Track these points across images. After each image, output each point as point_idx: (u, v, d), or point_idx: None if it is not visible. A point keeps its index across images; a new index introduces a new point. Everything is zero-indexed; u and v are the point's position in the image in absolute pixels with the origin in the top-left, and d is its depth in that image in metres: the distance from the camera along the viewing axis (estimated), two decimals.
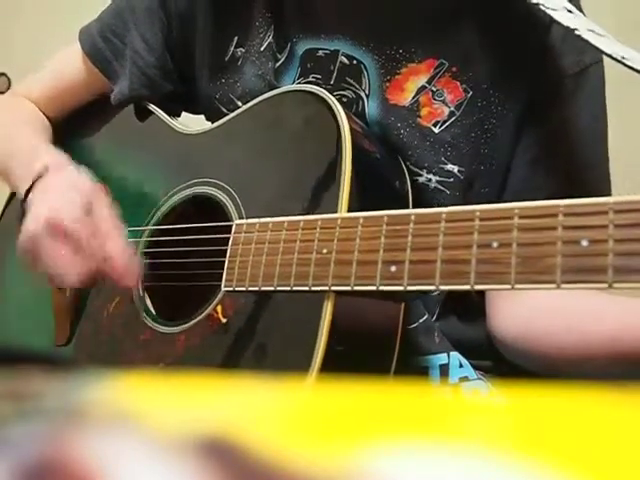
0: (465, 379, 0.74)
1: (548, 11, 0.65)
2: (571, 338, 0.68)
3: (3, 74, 1.60)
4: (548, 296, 0.71)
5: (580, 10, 0.70)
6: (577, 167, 0.75)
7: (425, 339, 0.74)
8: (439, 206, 0.73)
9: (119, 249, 0.70)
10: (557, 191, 0.72)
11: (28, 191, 0.76)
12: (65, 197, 0.71)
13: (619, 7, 1.39)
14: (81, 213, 0.70)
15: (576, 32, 0.62)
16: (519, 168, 0.75)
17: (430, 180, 0.73)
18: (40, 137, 0.90)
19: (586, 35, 0.61)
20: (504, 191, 0.75)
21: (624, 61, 0.58)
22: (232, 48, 0.83)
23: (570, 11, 0.65)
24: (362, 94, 0.75)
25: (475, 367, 0.76)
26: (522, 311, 0.73)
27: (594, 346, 0.66)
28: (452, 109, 0.73)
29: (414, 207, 0.70)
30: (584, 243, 0.47)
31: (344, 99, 0.76)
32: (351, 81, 0.76)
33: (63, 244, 0.69)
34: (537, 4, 0.66)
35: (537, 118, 0.74)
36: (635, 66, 0.57)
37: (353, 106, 0.76)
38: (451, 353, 0.75)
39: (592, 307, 0.68)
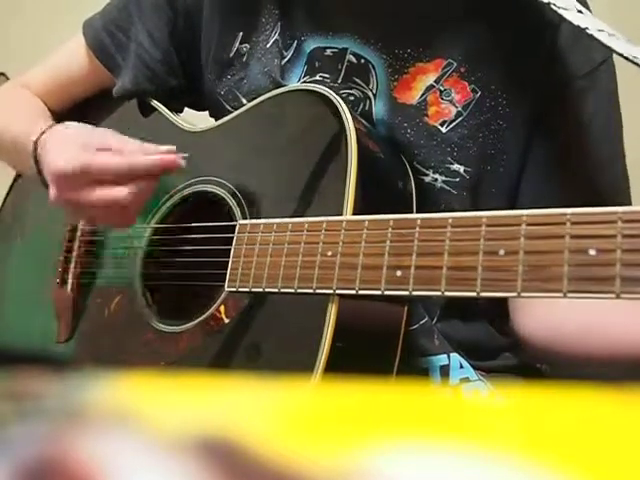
0: (466, 380, 0.74)
1: (559, 11, 0.65)
2: (601, 343, 0.68)
3: (2, 74, 1.60)
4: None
5: (589, 10, 0.70)
6: (593, 167, 0.74)
7: (425, 341, 0.74)
8: (445, 206, 0.73)
9: (136, 147, 0.71)
10: (574, 194, 0.72)
11: (36, 162, 0.78)
12: (63, 146, 0.73)
13: (618, 7, 1.38)
14: (81, 150, 0.71)
15: (587, 31, 0.62)
16: (533, 173, 0.75)
17: (436, 180, 0.73)
18: (34, 116, 0.91)
19: (597, 35, 0.61)
20: (517, 197, 0.75)
21: (636, 60, 0.57)
22: (237, 44, 0.83)
23: (580, 11, 0.65)
24: (369, 93, 0.75)
25: (475, 368, 0.76)
26: (554, 314, 0.72)
27: (623, 351, 0.65)
28: (459, 109, 0.73)
29: (420, 207, 0.70)
30: (592, 252, 0.46)
31: (351, 97, 0.76)
32: (358, 80, 0.76)
33: (88, 181, 0.70)
34: (548, 4, 0.65)
35: (549, 120, 0.74)
36: None
37: (360, 105, 0.75)
38: (451, 354, 0.74)
39: (621, 312, 0.67)
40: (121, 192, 0.69)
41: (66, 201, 0.72)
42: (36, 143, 0.77)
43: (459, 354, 0.75)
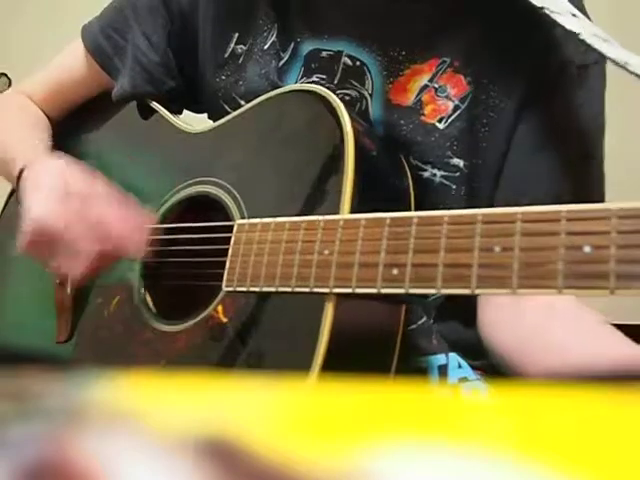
0: (464, 379, 0.74)
1: (553, 15, 0.65)
2: (567, 364, 0.67)
3: (3, 74, 1.60)
4: (545, 317, 0.68)
5: (584, 13, 0.71)
6: (576, 157, 0.74)
7: (423, 340, 0.74)
8: (444, 202, 0.73)
9: (115, 218, 0.71)
10: (555, 180, 0.72)
11: (17, 188, 0.78)
12: (46, 198, 0.72)
13: (617, 7, 1.39)
14: (65, 209, 0.70)
15: (580, 36, 0.62)
16: (516, 157, 0.74)
17: (435, 175, 0.74)
18: (26, 133, 0.91)
19: (590, 40, 0.61)
20: (499, 180, 0.75)
21: (627, 67, 0.58)
22: (232, 45, 0.83)
23: (575, 15, 0.65)
24: (365, 94, 0.76)
25: (474, 367, 0.76)
26: (519, 328, 0.70)
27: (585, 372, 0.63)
28: (457, 103, 0.74)
29: (418, 203, 0.70)
30: (586, 249, 0.46)
31: (347, 97, 0.76)
32: (354, 82, 0.76)
33: (58, 245, 0.70)
34: (542, 8, 0.66)
35: (535, 108, 0.74)
36: (638, 72, 0.57)
37: (357, 105, 0.76)
38: (450, 354, 0.74)
39: (593, 339, 0.65)
40: (76, 270, 0.71)
41: (32, 253, 0.73)
42: (21, 173, 0.78)
43: (457, 354, 0.75)
